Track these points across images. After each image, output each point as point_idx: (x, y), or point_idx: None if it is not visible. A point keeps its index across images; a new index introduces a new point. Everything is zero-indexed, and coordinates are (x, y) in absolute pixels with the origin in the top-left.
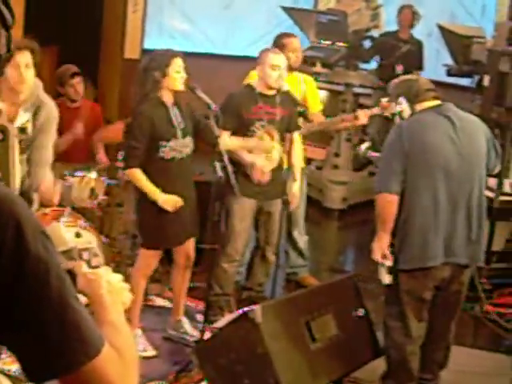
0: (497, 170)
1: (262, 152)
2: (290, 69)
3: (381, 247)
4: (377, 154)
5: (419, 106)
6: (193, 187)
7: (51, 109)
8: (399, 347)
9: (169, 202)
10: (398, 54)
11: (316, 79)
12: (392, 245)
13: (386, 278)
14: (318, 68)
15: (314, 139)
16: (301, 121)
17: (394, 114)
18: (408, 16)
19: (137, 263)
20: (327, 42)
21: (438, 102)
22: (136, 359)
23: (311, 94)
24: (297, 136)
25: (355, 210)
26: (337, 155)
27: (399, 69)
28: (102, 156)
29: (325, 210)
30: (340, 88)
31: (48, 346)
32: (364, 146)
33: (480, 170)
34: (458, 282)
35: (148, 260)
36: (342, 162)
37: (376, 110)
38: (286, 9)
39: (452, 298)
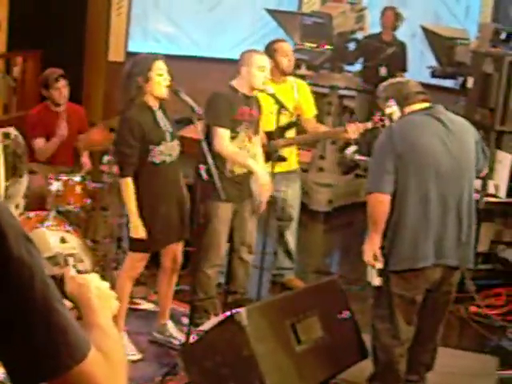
0: (485, 171)
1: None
2: (284, 73)
3: (372, 248)
4: (364, 158)
5: (409, 109)
6: (183, 190)
7: None
8: (387, 349)
9: (137, 229)
10: (383, 56)
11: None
12: (382, 247)
13: (376, 280)
14: (303, 70)
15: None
16: (292, 131)
17: (384, 116)
18: (391, 18)
19: (123, 266)
20: (312, 45)
21: (427, 105)
22: (124, 363)
23: (305, 99)
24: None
25: (341, 212)
26: (322, 158)
27: (383, 71)
28: (85, 160)
29: (310, 212)
30: (325, 90)
31: (34, 350)
32: (351, 149)
33: (470, 172)
34: (447, 284)
35: (135, 263)
36: (327, 165)
37: (368, 125)
38: (270, 11)
39: (441, 299)
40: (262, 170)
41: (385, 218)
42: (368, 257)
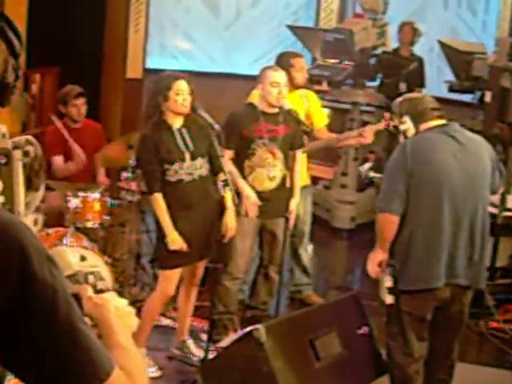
0: (500, 190)
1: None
2: (297, 87)
3: (375, 261)
4: (379, 175)
5: (424, 125)
6: (210, 208)
7: None
8: (402, 367)
9: (175, 242)
10: (405, 72)
11: (322, 98)
12: (392, 265)
13: (388, 298)
14: (324, 86)
15: (321, 158)
16: (305, 139)
17: (398, 132)
18: (409, 33)
19: (157, 287)
20: (333, 61)
21: (443, 122)
22: (146, 381)
23: (315, 109)
24: (300, 154)
25: (363, 229)
26: (344, 174)
27: (403, 87)
28: (102, 178)
29: (333, 229)
30: (347, 106)
31: (58, 370)
32: (366, 166)
33: (484, 190)
34: (459, 303)
35: (168, 283)
36: (349, 182)
37: (381, 125)
38: (291, 27)
39: (453, 318)
40: (249, 191)
41: (393, 236)
42: (371, 270)
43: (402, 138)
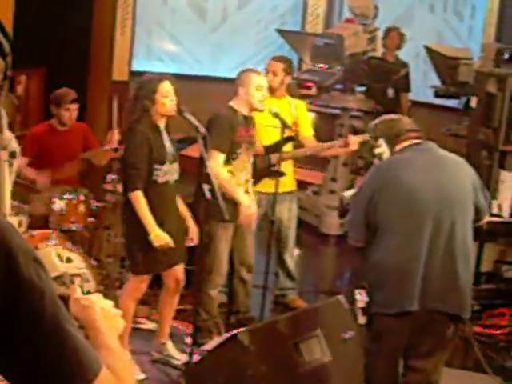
0: (487, 216)
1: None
2: (281, 92)
3: None
4: None
5: (399, 146)
6: (179, 213)
7: None
8: (382, 380)
9: (160, 238)
10: (396, 78)
11: (311, 103)
12: (364, 286)
13: (361, 319)
14: (313, 91)
15: (310, 162)
16: (290, 146)
17: (374, 156)
18: (395, 38)
19: (126, 287)
20: (323, 66)
21: (416, 141)
22: (134, 381)
23: (302, 118)
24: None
25: None
26: (334, 180)
27: (390, 92)
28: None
29: (322, 235)
30: (336, 111)
31: (46, 371)
32: (349, 192)
33: (463, 209)
34: (436, 331)
35: (138, 284)
36: (339, 187)
37: (366, 136)
38: (280, 31)
39: (433, 344)
40: (247, 201)
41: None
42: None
43: (376, 161)
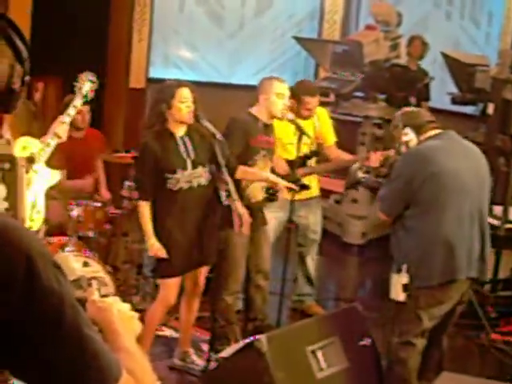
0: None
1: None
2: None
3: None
4: (366, 175)
5: (424, 136)
6: (207, 216)
7: None
8: (405, 362)
9: (153, 247)
10: (419, 86)
11: (332, 110)
12: (408, 262)
13: (401, 296)
14: (331, 98)
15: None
16: (314, 159)
17: (400, 144)
18: (418, 47)
19: (158, 297)
20: (342, 73)
21: (440, 131)
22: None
23: (325, 127)
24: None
25: (375, 244)
26: (356, 189)
27: (413, 100)
28: (104, 192)
29: (344, 244)
30: (358, 119)
31: (66, 376)
32: (356, 165)
33: (487, 189)
34: (466, 295)
35: (168, 291)
36: (361, 196)
37: (391, 153)
38: (299, 39)
39: (457, 310)
40: (272, 176)
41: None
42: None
43: (404, 149)
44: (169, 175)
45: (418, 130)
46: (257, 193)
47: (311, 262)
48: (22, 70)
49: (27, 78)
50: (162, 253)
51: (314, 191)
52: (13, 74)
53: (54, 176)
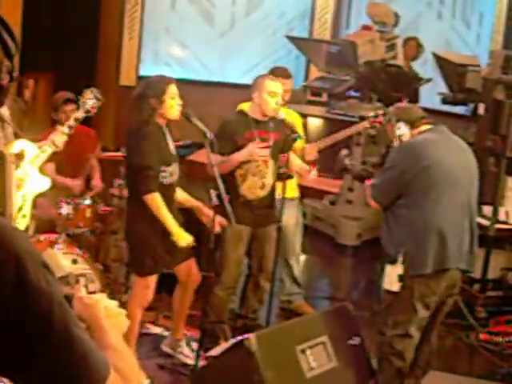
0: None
1: (258, 174)
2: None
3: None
4: (352, 162)
5: (416, 130)
6: (179, 213)
7: None
8: (402, 354)
9: (184, 238)
10: (415, 87)
11: (327, 110)
12: (404, 252)
13: (395, 286)
14: (323, 98)
15: (328, 170)
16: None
17: (393, 138)
18: (413, 48)
19: (132, 293)
20: (336, 73)
21: (431, 126)
22: (140, 382)
23: (298, 126)
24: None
25: (370, 245)
26: (350, 190)
27: (405, 101)
28: (97, 181)
29: (338, 246)
30: (354, 119)
31: (56, 376)
32: (343, 152)
33: (475, 185)
34: (457, 287)
35: (142, 290)
36: (355, 197)
37: (366, 125)
38: (292, 38)
39: (448, 302)
40: (246, 151)
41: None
42: None
43: (397, 142)
44: (164, 168)
45: (411, 124)
46: (254, 189)
47: (295, 264)
48: (11, 66)
49: (15, 73)
50: (191, 241)
51: (292, 192)
52: (1, 70)
53: (44, 183)
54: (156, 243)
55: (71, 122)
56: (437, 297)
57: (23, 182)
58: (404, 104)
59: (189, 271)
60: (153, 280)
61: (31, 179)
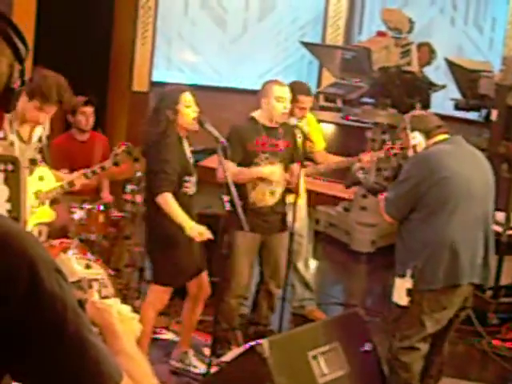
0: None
1: (267, 182)
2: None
3: None
4: (366, 176)
5: (432, 140)
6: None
7: None
8: (409, 367)
9: (196, 229)
10: (429, 93)
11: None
12: (414, 266)
13: (404, 300)
14: (337, 104)
15: (341, 177)
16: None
17: (407, 148)
18: (426, 54)
19: (148, 298)
20: (350, 79)
21: (448, 136)
22: None
23: (315, 132)
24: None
25: (384, 252)
26: (365, 196)
27: (418, 107)
28: (106, 194)
29: (352, 252)
30: (369, 126)
31: (68, 381)
32: (358, 165)
33: (492, 196)
34: (469, 301)
35: (160, 295)
36: (370, 204)
37: (381, 153)
38: (306, 44)
39: (460, 315)
40: (268, 169)
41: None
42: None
43: (411, 152)
44: (186, 178)
45: (427, 134)
46: (263, 196)
47: (304, 268)
48: (22, 70)
49: (26, 77)
50: (207, 233)
51: (301, 196)
52: (12, 74)
53: (50, 216)
54: (176, 255)
55: (97, 169)
56: (448, 311)
57: (33, 209)
58: (420, 112)
59: (200, 284)
60: (169, 290)
61: (40, 208)
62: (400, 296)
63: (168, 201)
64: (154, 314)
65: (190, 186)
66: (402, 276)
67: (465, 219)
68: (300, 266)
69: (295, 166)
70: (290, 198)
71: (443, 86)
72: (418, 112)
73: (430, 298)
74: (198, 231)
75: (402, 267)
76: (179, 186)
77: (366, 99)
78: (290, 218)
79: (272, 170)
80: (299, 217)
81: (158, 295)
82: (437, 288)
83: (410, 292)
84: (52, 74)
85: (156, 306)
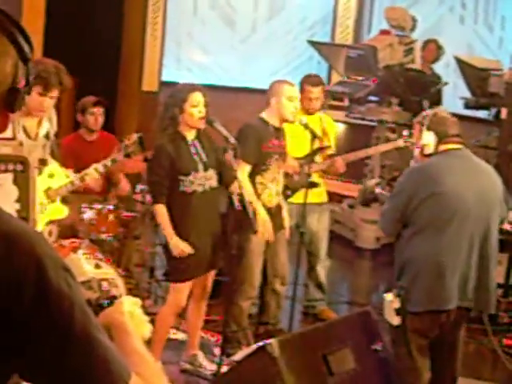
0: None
1: (275, 182)
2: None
3: None
4: (383, 192)
5: (443, 146)
6: (217, 219)
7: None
8: (416, 373)
9: (176, 246)
10: (434, 91)
11: (346, 114)
12: (400, 286)
13: (395, 320)
14: (344, 103)
15: (345, 175)
16: (320, 158)
17: (413, 144)
18: (433, 51)
19: (168, 299)
20: (357, 77)
21: (459, 146)
22: None
23: (330, 132)
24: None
25: (388, 249)
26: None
27: (426, 105)
28: (124, 184)
29: (357, 249)
30: (373, 123)
31: (76, 381)
32: (373, 181)
33: (496, 213)
34: (459, 326)
35: (180, 295)
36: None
37: (400, 143)
38: (313, 43)
39: (455, 341)
40: (265, 215)
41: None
42: None
43: (417, 152)
44: (182, 177)
45: (441, 139)
46: (272, 197)
47: (321, 270)
48: (27, 70)
49: (31, 77)
50: (188, 249)
51: (320, 197)
52: (17, 73)
53: (63, 212)
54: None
55: (108, 162)
56: (435, 331)
57: (43, 207)
58: (444, 115)
59: (204, 284)
60: (187, 286)
61: (51, 205)
62: (390, 315)
63: (159, 212)
64: (172, 317)
65: (188, 184)
66: (388, 291)
67: (456, 239)
68: (319, 268)
69: (339, 159)
70: (297, 198)
71: (445, 83)
72: (441, 113)
73: (413, 318)
74: (180, 247)
75: (391, 285)
76: (176, 185)
77: (372, 98)
78: (309, 218)
79: (265, 221)
80: (321, 219)
81: (176, 296)
82: (419, 311)
83: (398, 312)
84: (48, 59)
85: (174, 308)
